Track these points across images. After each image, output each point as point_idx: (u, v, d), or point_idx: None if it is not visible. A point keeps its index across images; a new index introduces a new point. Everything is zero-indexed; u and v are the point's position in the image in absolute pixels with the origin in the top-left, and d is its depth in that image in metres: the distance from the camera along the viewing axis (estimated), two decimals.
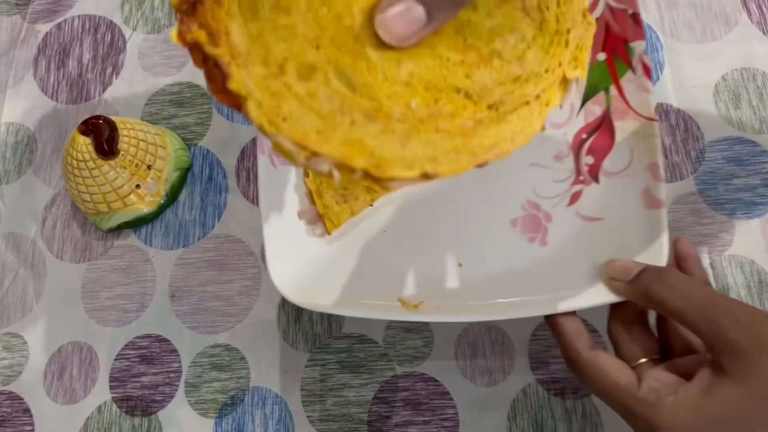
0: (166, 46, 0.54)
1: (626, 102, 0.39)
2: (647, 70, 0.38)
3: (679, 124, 0.47)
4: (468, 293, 0.37)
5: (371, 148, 0.24)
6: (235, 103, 0.24)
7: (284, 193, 0.38)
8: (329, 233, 0.38)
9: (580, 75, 0.27)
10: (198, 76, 0.53)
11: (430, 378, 0.44)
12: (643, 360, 0.33)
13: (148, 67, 0.54)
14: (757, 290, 0.43)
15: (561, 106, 0.28)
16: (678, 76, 0.49)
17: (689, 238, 0.44)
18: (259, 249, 0.48)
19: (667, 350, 0.34)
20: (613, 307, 0.35)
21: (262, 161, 0.38)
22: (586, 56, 0.28)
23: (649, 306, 0.33)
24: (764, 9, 0.50)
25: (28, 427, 0.46)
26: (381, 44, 0.25)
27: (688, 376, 0.30)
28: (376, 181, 0.24)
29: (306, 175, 0.38)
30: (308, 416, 0.44)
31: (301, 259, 0.38)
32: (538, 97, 0.27)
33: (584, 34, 0.28)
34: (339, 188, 0.37)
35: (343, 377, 0.44)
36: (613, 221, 0.37)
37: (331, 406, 0.44)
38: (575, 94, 0.35)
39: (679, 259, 0.36)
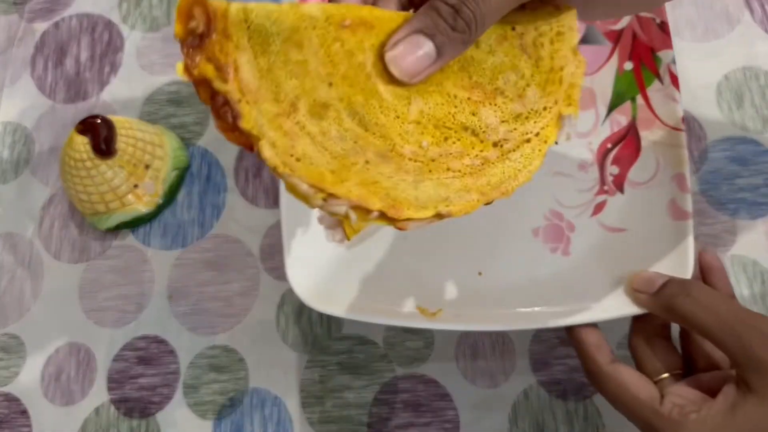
0: (164, 44, 0.54)
1: (653, 111, 0.38)
2: (675, 80, 0.38)
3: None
4: (487, 302, 0.37)
5: (386, 189, 0.25)
6: (246, 142, 0.24)
7: None
8: (348, 239, 0.38)
9: (573, 112, 0.28)
10: None
11: (431, 379, 0.43)
12: (665, 375, 0.33)
13: (146, 66, 0.54)
14: (760, 291, 0.42)
15: (557, 142, 0.28)
16: (680, 75, 0.48)
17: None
18: (257, 249, 0.47)
19: (690, 365, 0.34)
20: (635, 320, 0.35)
21: None
22: (578, 93, 0.28)
23: (672, 319, 0.32)
24: (767, 8, 0.50)
25: (26, 429, 0.46)
26: (392, 80, 0.26)
27: (712, 392, 0.30)
28: (392, 222, 0.25)
29: None
30: (308, 418, 0.44)
31: (320, 265, 0.38)
32: (537, 134, 0.27)
33: (575, 71, 0.28)
34: None
35: (342, 379, 0.44)
36: (637, 232, 0.37)
37: (330, 408, 0.44)
38: (569, 128, 0.35)
39: (704, 272, 0.36)
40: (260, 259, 0.47)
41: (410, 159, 0.26)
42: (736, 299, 0.36)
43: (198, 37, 0.23)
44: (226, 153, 0.50)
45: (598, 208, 0.39)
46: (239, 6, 0.24)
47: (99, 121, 0.46)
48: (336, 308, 0.36)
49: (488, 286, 0.38)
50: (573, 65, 0.28)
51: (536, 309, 0.36)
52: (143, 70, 0.54)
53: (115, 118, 0.47)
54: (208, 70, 0.23)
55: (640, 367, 0.34)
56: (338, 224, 0.37)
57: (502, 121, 0.27)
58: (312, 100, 0.25)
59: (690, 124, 0.47)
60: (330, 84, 0.25)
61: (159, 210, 0.49)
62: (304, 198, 0.25)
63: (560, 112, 0.28)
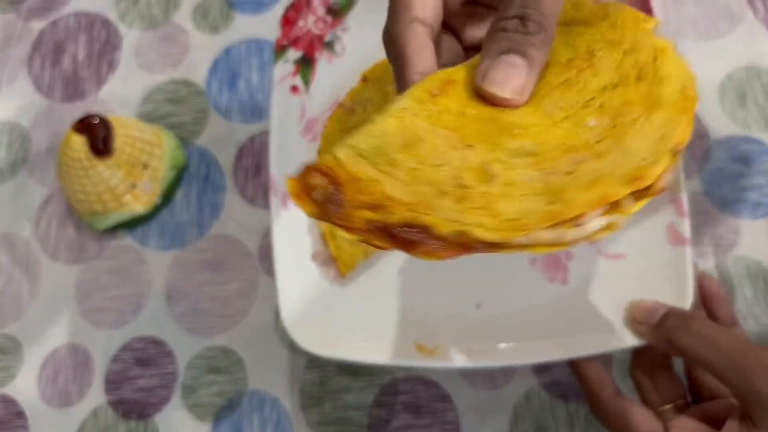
0: (162, 43, 0.54)
1: None
2: None
3: None
4: (486, 335, 0.36)
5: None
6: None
7: (297, 236, 0.38)
8: (343, 276, 0.37)
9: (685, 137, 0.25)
10: (194, 74, 0.52)
11: (431, 381, 0.43)
12: (668, 406, 0.33)
13: (144, 65, 0.53)
14: (763, 292, 0.42)
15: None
16: None
17: (694, 238, 0.44)
18: (256, 249, 0.47)
19: (695, 393, 0.34)
20: (636, 350, 0.35)
21: (275, 204, 0.37)
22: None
23: (673, 353, 0.32)
24: None
25: (23, 431, 0.45)
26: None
27: (716, 422, 0.30)
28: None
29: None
30: (307, 420, 0.43)
31: (315, 304, 0.37)
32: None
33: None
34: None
35: (342, 380, 0.44)
36: (635, 258, 0.36)
37: (330, 410, 0.43)
38: None
39: (704, 299, 0.36)
40: (259, 260, 0.47)
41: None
42: (738, 326, 0.36)
43: (330, 200, 0.22)
44: (225, 152, 0.50)
45: None
46: (345, 150, 0.23)
47: (96, 120, 0.45)
48: (332, 349, 0.35)
49: (487, 319, 0.37)
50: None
51: (536, 342, 0.35)
52: (141, 69, 0.53)
53: (112, 118, 0.46)
54: (370, 216, 0.22)
55: (643, 398, 0.34)
56: (332, 261, 0.36)
57: (621, 62, 0.26)
58: (470, 169, 0.24)
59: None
60: (470, 146, 0.24)
61: (157, 210, 0.49)
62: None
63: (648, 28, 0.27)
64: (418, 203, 0.22)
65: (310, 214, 0.22)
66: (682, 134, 0.24)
